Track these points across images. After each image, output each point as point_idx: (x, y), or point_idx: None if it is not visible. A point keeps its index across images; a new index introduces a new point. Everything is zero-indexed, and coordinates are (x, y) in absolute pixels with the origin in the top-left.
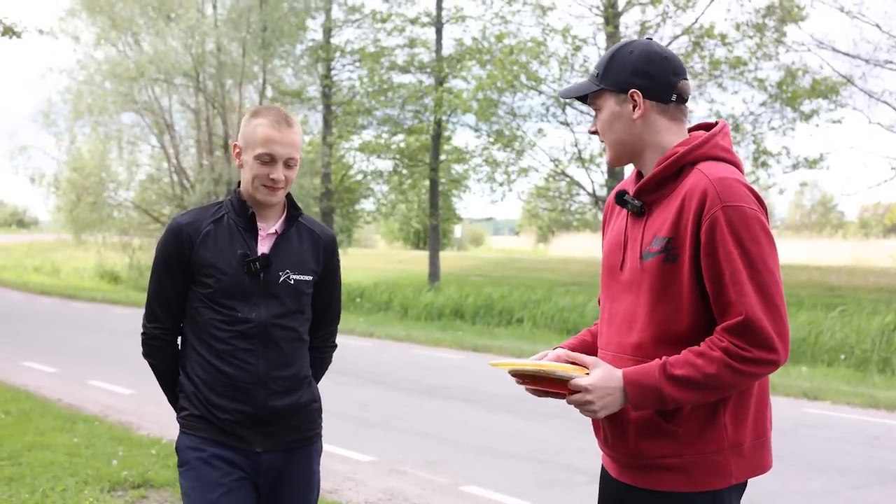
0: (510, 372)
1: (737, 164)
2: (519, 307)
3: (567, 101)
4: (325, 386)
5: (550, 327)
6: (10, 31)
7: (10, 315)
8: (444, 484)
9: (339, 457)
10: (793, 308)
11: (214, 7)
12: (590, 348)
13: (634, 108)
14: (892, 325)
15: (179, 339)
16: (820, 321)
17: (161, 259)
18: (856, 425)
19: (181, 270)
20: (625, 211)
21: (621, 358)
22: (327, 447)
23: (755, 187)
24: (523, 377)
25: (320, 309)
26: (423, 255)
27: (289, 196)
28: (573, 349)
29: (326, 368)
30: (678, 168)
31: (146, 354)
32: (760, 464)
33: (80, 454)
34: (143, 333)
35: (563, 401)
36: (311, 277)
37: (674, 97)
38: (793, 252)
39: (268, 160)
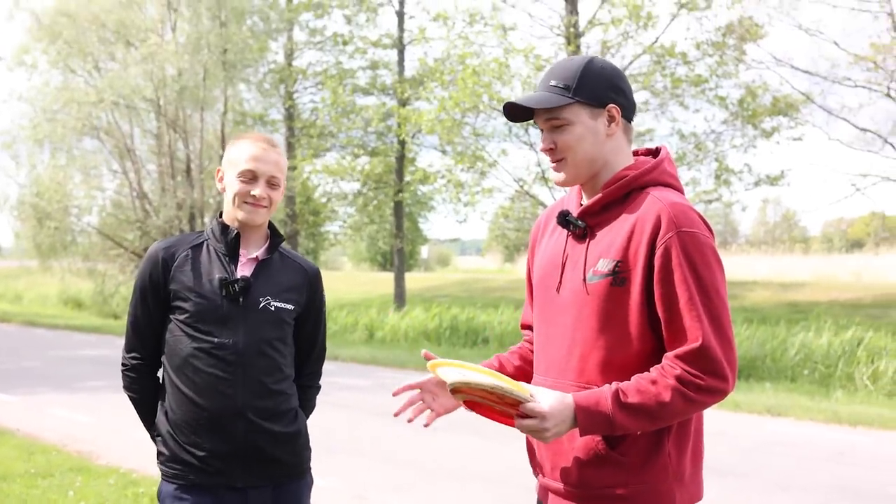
0: (455, 384)
1: (682, 191)
2: (485, 327)
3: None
4: None
5: None
6: None
7: None
8: None
9: None
10: (755, 324)
11: (174, 31)
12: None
13: (610, 123)
14: (855, 341)
15: (160, 371)
16: (783, 337)
17: (138, 287)
18: (820, 441)
19: (156, 298)
20: (562, 231)
21: (563, 384)
22: None
23: (718, 204)
24: (466, 390)
25: (304, 347)
26: (389, 277)
27: (271, 224)
28: None
29: (311, 409)
30: (626, 192)
31: (126, 387)
32: (697, 493)
33: (36, 485)
34: (122, 365)
35: (494, 421)
36: (292, 307)
37: (634, 117)
38: (755, 268)
39: (250, 177)
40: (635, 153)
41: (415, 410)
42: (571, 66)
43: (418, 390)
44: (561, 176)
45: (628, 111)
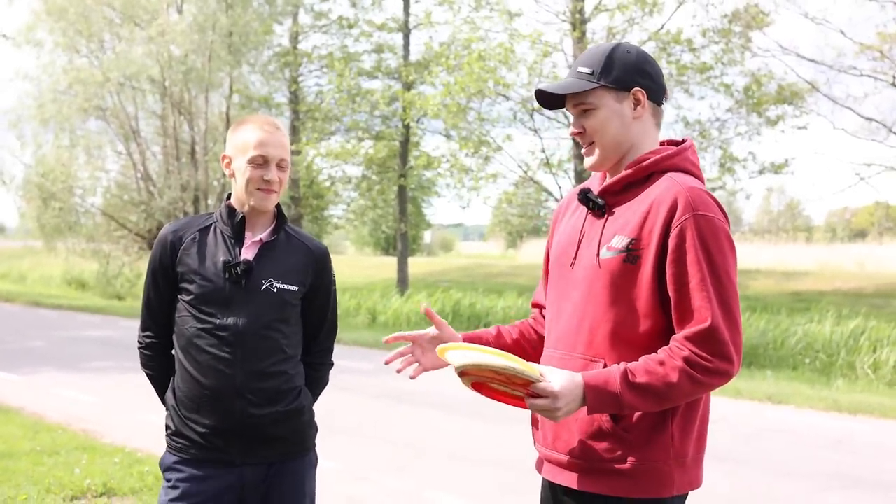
0: (463, 366)
1: (702, 181)
2: (487, 313)
3: (534, 107)
4: None
5: None
6: None
7: None
8: (410, 490)
9: None
10: (759, 313)
11: (180, 12)
12: (487, 345)
13: (636, 106)
14: (857, 330)
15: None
16: (785, 326)
17: (150, 269)
18: (820, 429)
19: (166, 280)
20: (583, 209)
21: (572, 357)
22: None
23: (722, 192)
24: (474, 372)
25: (313, 325)
26: (392, 261)
27: (277, 205)
28: (471, 341)
29: (324, 386)
30: (647, 174)
31: (143, 365)
32: (696, 479)
33: (42, 463)
34: (138, 343)
35: (500, 402)
36: (297, 288)
37: (664, 100)
38: (759, 257)
39: (261, 162)
40: (661, 143)
41: (404, 362)
42: (598, 53)
43: (410, 344)
44: (590, 160)
45: (656, 94)
